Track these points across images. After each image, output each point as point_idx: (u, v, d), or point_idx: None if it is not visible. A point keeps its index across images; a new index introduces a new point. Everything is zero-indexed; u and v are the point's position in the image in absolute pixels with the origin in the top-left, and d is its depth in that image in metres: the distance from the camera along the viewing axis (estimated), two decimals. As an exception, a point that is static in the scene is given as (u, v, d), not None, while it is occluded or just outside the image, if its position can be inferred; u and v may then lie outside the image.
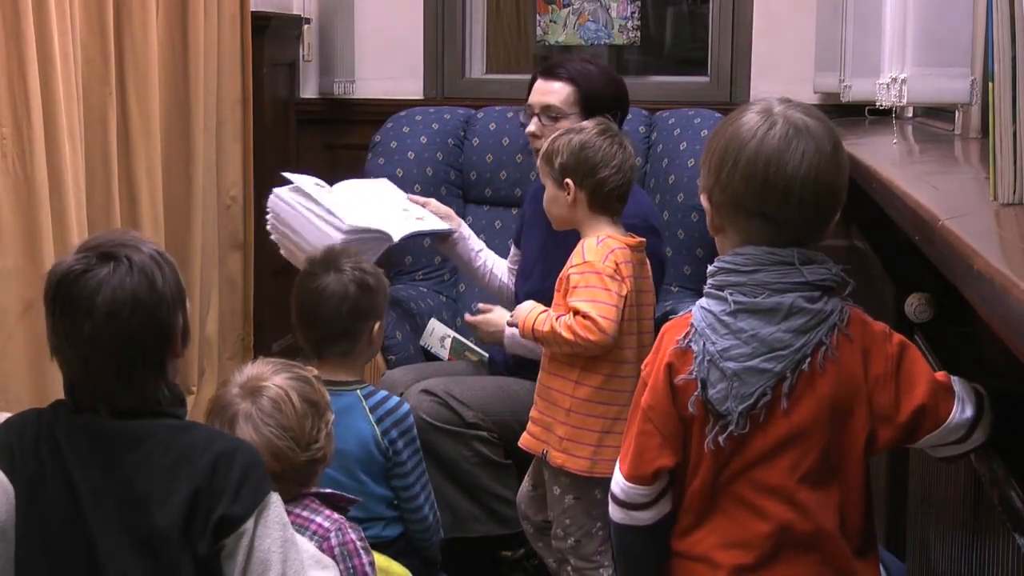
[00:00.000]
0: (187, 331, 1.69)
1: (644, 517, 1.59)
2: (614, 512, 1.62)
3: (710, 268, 1.56)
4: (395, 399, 2.32)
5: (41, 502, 1.63)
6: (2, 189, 2.46)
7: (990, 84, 1.36)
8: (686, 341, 1.52)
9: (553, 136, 2.43)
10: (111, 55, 2.83)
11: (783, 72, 3.81)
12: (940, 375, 1.53)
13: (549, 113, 2.70)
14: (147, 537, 1.58)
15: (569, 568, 2.41)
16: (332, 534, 1.89)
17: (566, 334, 2.25)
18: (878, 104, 2.48)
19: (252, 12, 3.51)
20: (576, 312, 2.25)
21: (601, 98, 2.74)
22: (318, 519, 1.90)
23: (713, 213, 1.56)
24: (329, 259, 2.31)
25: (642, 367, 1.61)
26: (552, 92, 2.71)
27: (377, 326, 2.30)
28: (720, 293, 1.52)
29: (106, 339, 1.60)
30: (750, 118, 1.51)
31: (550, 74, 2.74)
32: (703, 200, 1.57)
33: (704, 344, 1.50)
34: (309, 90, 4.12)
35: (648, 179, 3.23)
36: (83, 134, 2.72)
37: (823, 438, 1.51)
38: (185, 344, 1.69)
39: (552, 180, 2.38)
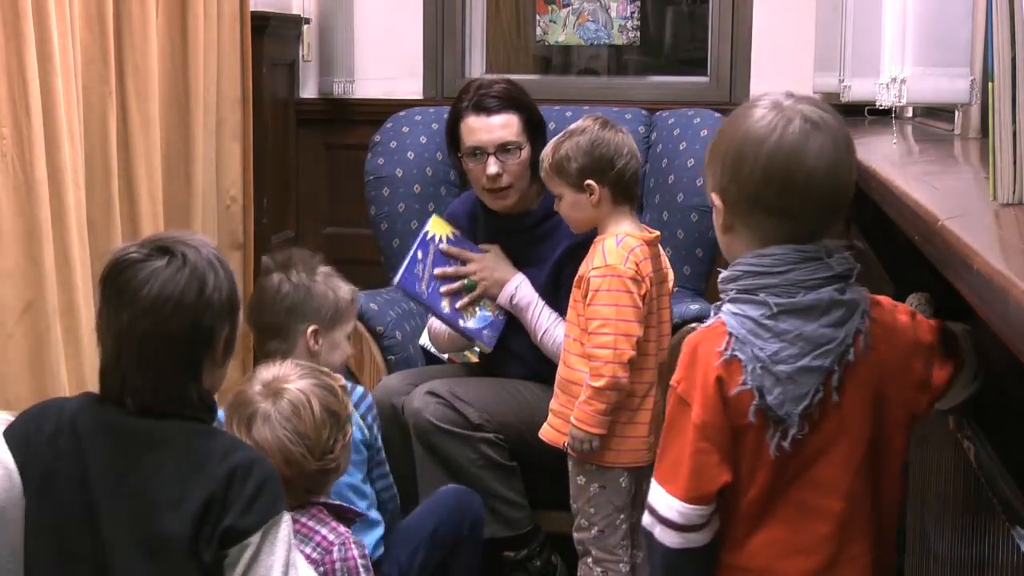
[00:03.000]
0: (231, 341, 1.66)
1: (700, 538, 1.54)
2: (668, 537, 1.53)
3: (727, 273, 1.54)
4: (358, 388, 2.33)
5: (54, 495, 1.63)
6: (2, 189, 2.45)
7: (990, 84, 1.36)
8: (729, 351, 1.49)
9: (552, 146, 2.42)
10: (111, 55, 2.83)
11: (783, 72, 3.81)
12: (929, 323, 1.58)
13: (506, 148, 2.68)
14: (157, 540, 1.58)
15: (590, 560, 2.42)
16: (335, 548, 1.87)
17: (610, 374, 2.28)
18: (878, 104, 2.48)
19: (252, 12, 3.50)
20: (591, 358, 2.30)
21: (534, 111, 2.76)
22: (323, 531, 1.89)
23: (726, 212, 1.54)
24: (284, 260, 2.33)
25: (673, 384, 1.55)
26: (501, 127, 2.69)
27: (311, 330, 2.27)
28: (755, 297, 1.49)
29: (141, 333, 1.60)
30: (763, 114, 1.50)
31: (486, 109, 2.69)
32: (714, 199, 1.55)
33: (752, 351, 1.47)
34: (309, 90, 4.12)
35: (648, 179, 3.23)
36: (83, 134, 2.72)
37: (869, 425, 1.52)
38: (228, 354, 1.67)
39: (569, 186, 2.39)
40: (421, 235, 2.74)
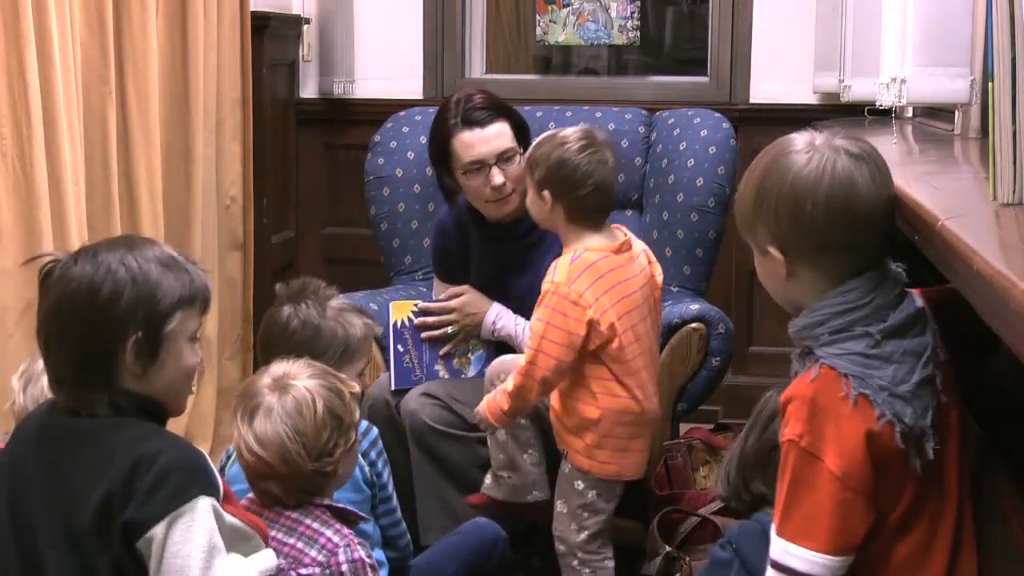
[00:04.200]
0: (146, 349, 1.60)
1: None
2: None
3: (808, 320, 1.51)
4: (362, 422, 2.21)
5: (11, 489, 1.65)
6: (2, 189, 2.46)
7: (990, 84, 1.36)
8: (854, 391, 1.46)
9: (538, 140, 2.42)
10: (111, 55, 2.83)
11: (783, 72, 3.81)
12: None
13: (505, 157, 2.67)
14: (71, 535, 1.58)
15: (575, 562, 2.42)
16: (341, 550, 1.85)
17: (518, 383, 2.30)
18: (878, 104, 2.48)
19: (252, 12, 3.51)
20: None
21: (518, 115, 2.76)
22: (327, 532, 1.87)
23: (787, 261, 1.53)
24: (296, 290, 2.28)
25: (793, 438, 1.48)
26: (498, 136, 2.68)
27: None
28: (853, 332, 1.49)
29: (44, 338, 1.64)
30: (805, 159, 1.50)
31: (478, 123, 2.67)
32: (772, 251, 1.53)
33: (874, 383, 1.46)
34: (309, 90, 4.12)
35: (648, 179, 3.23)
36: (83, 134, 2.72)
37: (959, 410, 1.53)
38: (148, 361, 1.61)
39: (532, 186, 2.40)
40: (390, 329, 2.72)
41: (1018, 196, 1.35)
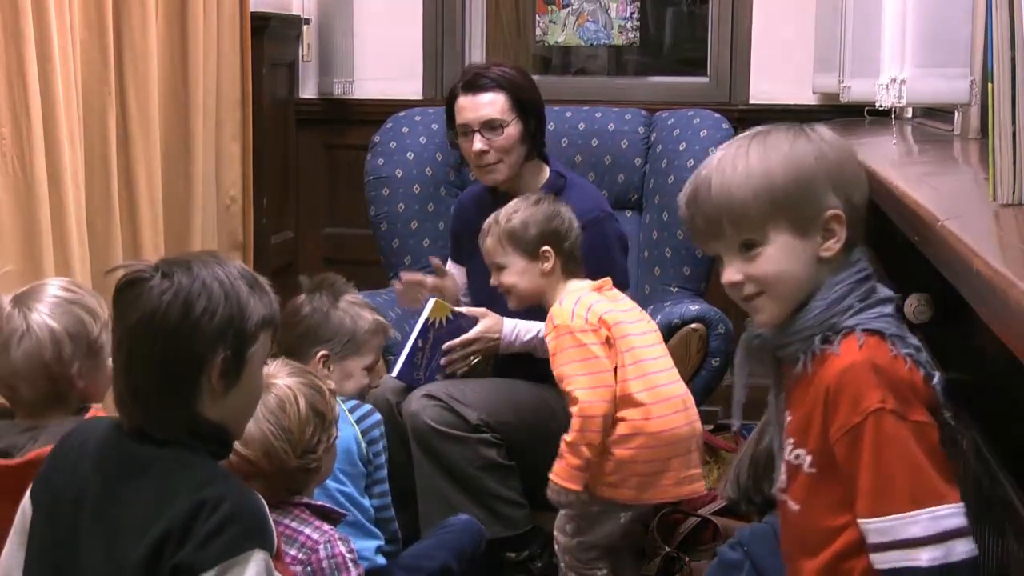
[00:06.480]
0: (232, 370, 1.55)
1: None
2: (969, 546, 1.37)
3: (834, 296, 1.48)
4: (366, 406, 2.31)
5: (55, 518, 1.59)
6: (2, 189, 2.46)
7: (989, 84, 1.36)
8: (902, 350, 1.43)
9: (504, 214, 2.46)
10: (110, 55, 2.83)
11: (782, 73, 3.81)
12: None
13: (491, 126, 2.73)
14: (118, 567, 1.51)
15: (563, 565, 2.43)
16: (321, 546, 1.86)
17: (578, 429, 2.27)
18: (877, 104, 2.48)
19: (251, 12, 3.51)
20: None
21: (530, 96, 2.82)
22: (307, 530, 1.88)
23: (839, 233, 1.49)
24: (315, 282, 2.37)
25: (878, 405, 1.39)
26: (487, 104, 2.75)
27: (320, 355, 2.28)
28: (879, 295, 1.49)
29: (126, 354, 1.55)
30: (788, 137, 1.52)
31: (475, 88, 2.76)
32: (774, 235, 1.50)
33: (911, 343, 1.45)
34: (308, 90, 4.12)
35: (647, 180, 3.23)
36: (82, 134, 2.72)
37: None
38: (230, 383, 1.56)
39: (522, 253, 2.43)
40: (422, 323, 2.69)
41: (1018, 196, 1.35)
